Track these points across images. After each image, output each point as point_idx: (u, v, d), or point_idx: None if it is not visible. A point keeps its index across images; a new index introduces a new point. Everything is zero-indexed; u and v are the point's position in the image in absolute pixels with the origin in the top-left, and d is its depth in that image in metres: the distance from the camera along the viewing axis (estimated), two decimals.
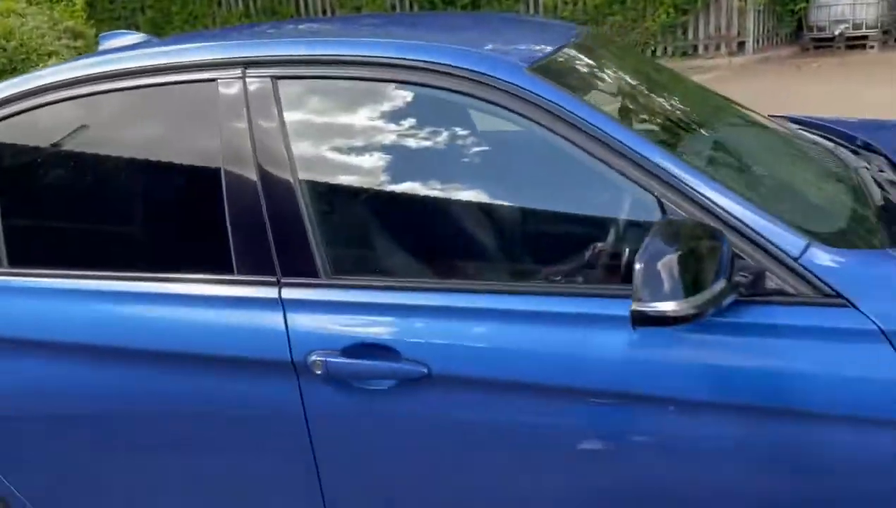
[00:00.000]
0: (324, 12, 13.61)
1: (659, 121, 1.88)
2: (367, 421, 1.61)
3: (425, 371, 1.53)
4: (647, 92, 2.07)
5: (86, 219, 1.91)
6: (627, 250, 1.48)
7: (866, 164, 1.98)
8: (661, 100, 2.08)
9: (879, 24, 11.05)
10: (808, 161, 2.01)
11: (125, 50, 2.03)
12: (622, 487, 1.51)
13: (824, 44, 11.49)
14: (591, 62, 1.96)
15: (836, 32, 11.29)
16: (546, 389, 1.48)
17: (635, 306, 1.28)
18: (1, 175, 1.92)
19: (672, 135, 1.83)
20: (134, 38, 2.43)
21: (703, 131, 1.95)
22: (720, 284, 1.31)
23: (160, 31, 13.50)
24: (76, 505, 1.92)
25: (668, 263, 1.28)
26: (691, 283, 1.29)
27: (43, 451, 1.85)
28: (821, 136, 2.31)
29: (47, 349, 1.75)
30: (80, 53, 7.29)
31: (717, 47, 11.62)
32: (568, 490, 1.54)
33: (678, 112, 2.05)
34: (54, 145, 1.89)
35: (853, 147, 2.20)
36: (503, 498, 1.60)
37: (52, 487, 1.89)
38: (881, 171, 1.96)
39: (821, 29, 11.51)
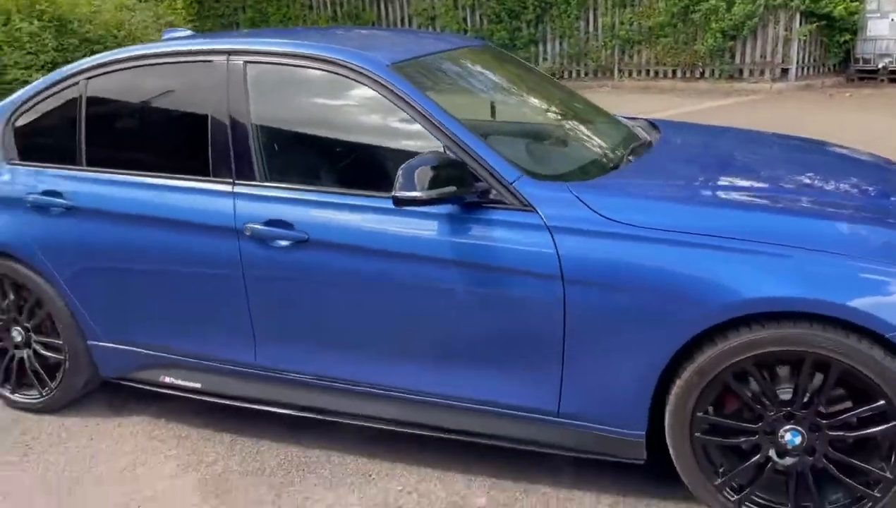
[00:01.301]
0: (401, 20, 14.90)
1: (479, 102, 2.95)
2: (275, 266, 2.72)
3: (306, 236, 2.63)
4: (491, 86, 3.15)
5: (138, 138, 3.12)
6: None
7: (634, 145, 2.98)
8: (499, 91, 3.16)
9: None
10: (585, 137, 3.04)
11: (174, 40, 3.24)
12: (403, 307, 2.58)
13: (869, 76, 11.96)
14: (449, 66, 3.05)
15: (881, 66, 11.75)
16: (364, 249, 2.56)
17: (395, 193, 2.35)
18: (92, 110, 3.13)
19: (477, 111, 2.89)
20: (184, 33, 3.67)
21: (514, 112, 3.01)
22: (450, 188, 2.36)
23: (257, 27, 15.09)
24: (144, 327, 3.09)
25: (422, 172, 2.33)
26: (436, 185, 2.34)
27: (118, 285, 3.04)
28: (647, 128, 3.31)
29: (135, 218, 2.92)
30: None
31: (762, 73, 12.24)
32: (380, 311, 2.62)
33: (506, 99, 3.12)
34: (125, 94, 3.11)
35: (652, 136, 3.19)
36: (352, 318, 2.68)
37: (124, 309, 3.08)
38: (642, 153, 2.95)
39: (866, 61, 11.98)
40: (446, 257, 2.48)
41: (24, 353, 3.32)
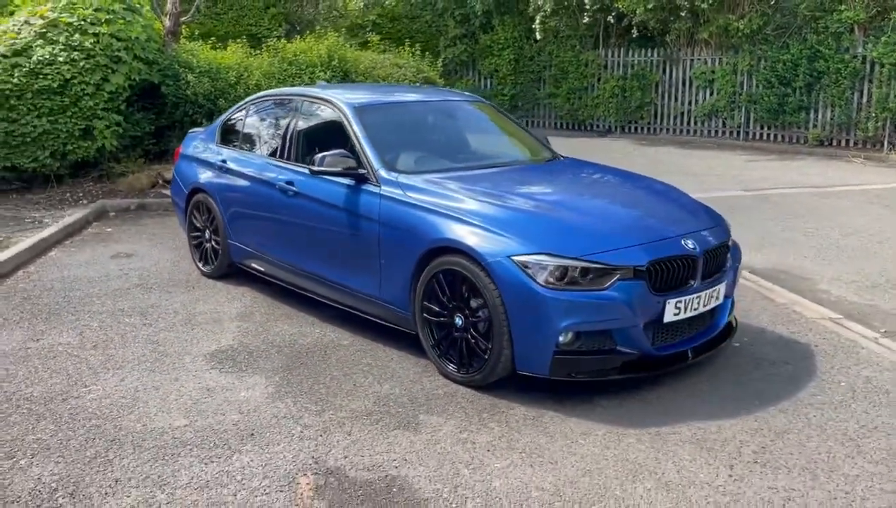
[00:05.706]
0: (682, 82, 16.24)
1: (412, 129, 5.14)
2: (286, 205, 5.19)
3: (297, 190, 5.07)
4: (436, 122, 5.32)
5: (268, 135, 5.87)
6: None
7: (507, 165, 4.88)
8: (444, 125, 5.35)
9: None
10: (468, 157, 5.01)
11: (316, 88, 5.97)
12: (324, 229, 4.86)
13: None
14: (412, 109, 5.30)
15: None
16: (314, 198, 4.90)
17: (310, 167, 4.67)
18: (249, 120, 5.98)
19: (397, 134, 5.06)
20: (326, 84, 6.39)
21: (437, 137, 5.14)
22: (338, 168, 4.61)
23: (558, 82, 17.68)
24: (246, 235, 5.83)
25: (330, 158, 4.62)
26: (333, 166, 4.62)
27: (238, 211, 5.83)
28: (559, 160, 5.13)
29: (247, 176, 5.70)
30: None
31: None
32: (317, 231, 4.93)
33: (443, 129, 5.28)
34: (261, 112, 5.91)
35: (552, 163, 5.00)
36: (308, 234, 5.04)
37: (239, 224, 5.85)
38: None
39: None
40: (340, 205, 4.73)
41: (208, 245, 6.27)
